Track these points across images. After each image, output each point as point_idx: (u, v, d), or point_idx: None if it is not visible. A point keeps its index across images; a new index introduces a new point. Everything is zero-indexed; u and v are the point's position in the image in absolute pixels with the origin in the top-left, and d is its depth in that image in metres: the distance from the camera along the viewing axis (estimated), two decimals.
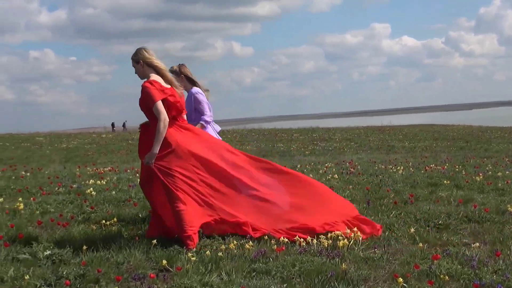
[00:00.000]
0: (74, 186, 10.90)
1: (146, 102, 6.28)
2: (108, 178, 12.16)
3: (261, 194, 6.61)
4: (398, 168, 13.03)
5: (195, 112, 7.78)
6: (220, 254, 5.67)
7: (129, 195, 9.49)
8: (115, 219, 7.32)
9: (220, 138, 7.79)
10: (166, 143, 6.28)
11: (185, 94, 7.54)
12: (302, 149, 25.51)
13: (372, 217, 7.46)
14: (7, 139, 33.08)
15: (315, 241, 6.11)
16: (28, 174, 13.54)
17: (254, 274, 5.22)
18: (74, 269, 5.26)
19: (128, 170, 14.28)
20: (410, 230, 6.55)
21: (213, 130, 7.88)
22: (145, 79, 6.42)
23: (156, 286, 4.91)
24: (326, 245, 5.98)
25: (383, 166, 13.77)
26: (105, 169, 15.01)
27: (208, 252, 5.74)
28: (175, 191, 6.21)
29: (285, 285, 4.95)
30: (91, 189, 10.03)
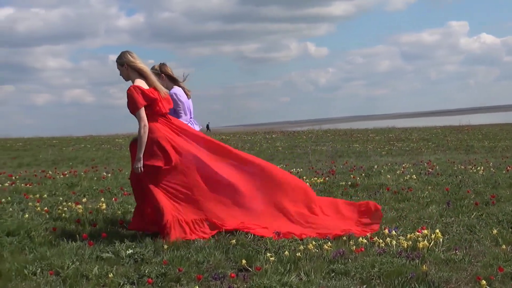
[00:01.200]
0: None
1: (130, 107, 6.62)
2: None
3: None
4: (478, 168, 12.72)
5: (175, 113, 7.66)
6: (298, 254, 5.67)
7: None
8: None
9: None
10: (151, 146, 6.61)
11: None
12: (379, 149, 25.25)
13: (453, 219, 7.34)
14: (88, 141, 33.99)
15: (394, 242, 6.05)
16: (109, 175, 13.87)
17: (333, 274, 5.21)
18: (156, 267, 5.37)
19: None
20: (492, 232, 6.39)
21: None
22: (130, 81, 6.76)
23: (236, 286, 4.95)
24: (405, 246, 5.91)
25: (462, 167, 13.46)
26: None
27: (286, 252, 5.76)
28: (155, 191, 6.55)
29: (364, 286, 4.93)
30: None
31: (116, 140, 35.56)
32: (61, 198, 9.57)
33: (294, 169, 14.17)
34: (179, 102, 7.70)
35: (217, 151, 6.99)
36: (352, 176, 11.76)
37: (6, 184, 11.63)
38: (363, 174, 12.13)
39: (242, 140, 33.36)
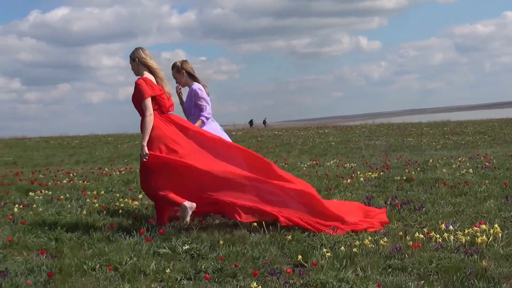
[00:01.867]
0: None
1: (137, 97, 6.87)
2: None
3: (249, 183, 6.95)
4: None
5: (195, 108, 7.95)
6: (354, 250, 5.65)
7: None
8: None
9: (223, 131, 8.12)
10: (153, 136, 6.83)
11: (186, 89, 8.10)
12: (433, 143, 24.91)
13: (511, 213, 7.19)
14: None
15: (451, 237, 5.97)
16: None
17: (390, 270, 5.17)
18: (212, 263, 5.41)
19: None
20: None
21: (213, 126, 8.07)
22: (139, 76, 7.01)
23: (292, 281, 4.96)
24: (463, 242, 5.82)
25: None
26: None
27: (342, 247, 5.73)
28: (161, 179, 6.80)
29: (422, 282, 4.88)
30: None
31: None
32: (117, 195, 9.72)
33: (348, 164, 14.09)
34: (201, 96, 7.95)
35: (220, 148, 7.13)
36: (407, 170, 11.62)
37: (65, 181, 11.87)
38: (418, 169, 11.98)
39: (294, 135, 33.32)
